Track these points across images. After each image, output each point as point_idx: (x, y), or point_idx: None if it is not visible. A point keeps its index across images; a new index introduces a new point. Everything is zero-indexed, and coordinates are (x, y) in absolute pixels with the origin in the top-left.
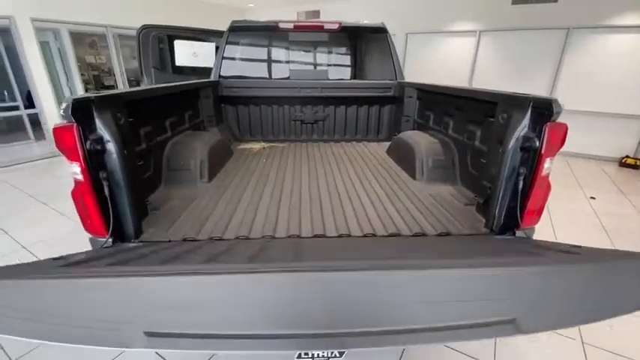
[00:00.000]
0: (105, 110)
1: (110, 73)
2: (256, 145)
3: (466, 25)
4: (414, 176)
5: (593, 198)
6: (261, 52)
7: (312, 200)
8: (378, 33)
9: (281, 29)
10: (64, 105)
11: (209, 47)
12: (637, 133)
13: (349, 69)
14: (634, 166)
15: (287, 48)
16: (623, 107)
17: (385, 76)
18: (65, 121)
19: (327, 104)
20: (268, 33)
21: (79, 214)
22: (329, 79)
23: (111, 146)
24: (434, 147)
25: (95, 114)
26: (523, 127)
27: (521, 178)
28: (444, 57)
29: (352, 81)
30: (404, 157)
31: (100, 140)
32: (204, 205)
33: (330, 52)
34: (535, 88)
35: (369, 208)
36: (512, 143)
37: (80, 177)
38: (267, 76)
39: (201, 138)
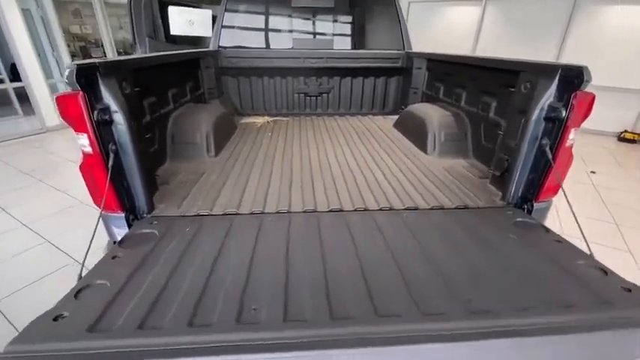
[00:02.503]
0: (110, 77)
1: (97, 44)
2: (260, 119)
3: None
4: (425, 150)
5: (593, 172)
6: (262, 20)
7: (323, 174)
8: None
9: None
10: (67, 71)
11: (206, 14)
12: (635, 108)
13: (355, 38)
14: (632, 141)
15: (289, 15)
16: (625, 81)
17: (392, 46)
18: (70, 89)
19: (332, 76)
20: None
21: (89, 189)
22: (334, 49)
23: (119, 117)
24: (446, 120)
25: (100, 81)
26: (549, 97)
27: (545, 149)
28: (447, 27)
29: (359, 51)
30: (414, 130)
31: (107, 110)
32: (214, 179)
33: (335, 21)
34: (540, 58)
35: (383, 182)
36: (536, 113)
37: (89, 149)
38: (269, 46)
39: (206, 110)
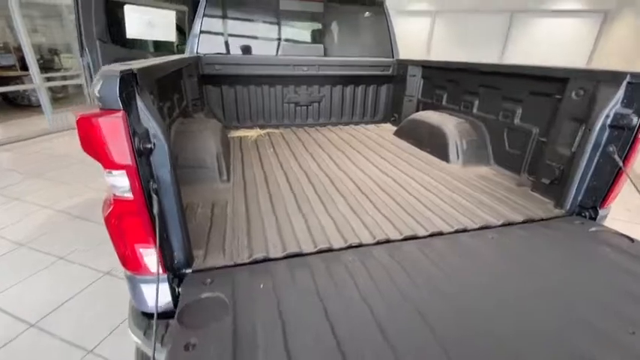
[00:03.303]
0: (144, 90)
1: (6, 48)
2: (251, 132)
3: (422, 5)
4: (447, 159)
5: None
6: (247, 26)
7: (356, 196)
8: (375, 6)
9: None
10: (100, 82)
11: (168, 16)
12: None
13: (345, 45)
14: None
15: (277, 19)
16: None
17: (382, 54)
18: (100, 106)
19: (323, 84)
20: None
21: (119, 249)
22: (325, 57)
23: (160, 143)
24: (464, 127)
25: (138, 95)
26: (615, 104)
27: (614, 155)
28: (402, 35)
29: (350, 58)
30: (429, 139)
31: (147, 134)
32: (243, 211)
33: (324, 26)
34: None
35: (421, 200)
36: (600, 120)
37: (127, 192)
38: (256, 52)
39: (207, 127)
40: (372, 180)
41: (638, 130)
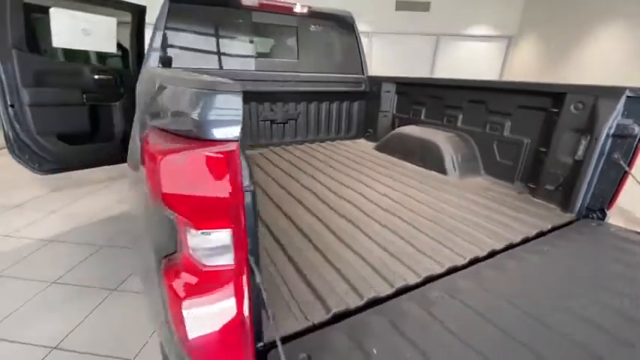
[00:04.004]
0: None
1: None
2: None
3: (361, 27)
4: (444, 172)
5: None
6: (215, 36)
7: (381, 222)
8: (345, 23)
9: (244, 6)
10: (211, 99)
11: (108, 24)
12: None
13: (319, 61)
14: None
15: (249, 33)
16: None
17: (351, 70)
18: (202, 135)
19: (299, 101)
20: (224, 11)
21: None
22: (300, 72)
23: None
24: (455, 140)
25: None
26: (617, 115)
27: (619, 161)
28: None
29: (325, 74)
30: (420, 153)
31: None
32: (274, 250)
33: (298, 42)
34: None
35: (441, 224)
36: (605, 131)
37: (227, 260)
38: (228, 67)
39: None
40: (372, 203)
41: (639, 138)
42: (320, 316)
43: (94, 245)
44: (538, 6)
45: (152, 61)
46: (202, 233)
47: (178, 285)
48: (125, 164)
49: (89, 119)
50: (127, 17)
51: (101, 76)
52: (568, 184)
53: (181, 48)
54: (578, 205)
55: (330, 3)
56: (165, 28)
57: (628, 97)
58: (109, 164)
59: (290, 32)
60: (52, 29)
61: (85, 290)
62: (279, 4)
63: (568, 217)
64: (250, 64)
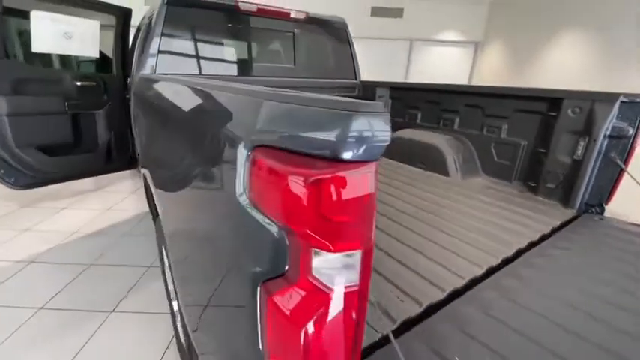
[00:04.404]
0: None
1: None
2: None
3: None
4: (446, 174)
5: None
6: (211, 41)
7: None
8: (339, 29)
9: (242, 11)
10: (357, 118)
11: (91, 27)
12: None
13: (314, 66)
14: None
15: (247, 39)
16: None
17: (344, 76)
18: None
19: None
20: (221, 16)
21: None
22: (299, 78)
23: None
24: (454, 143)
25: None
26: (612, 118)
27: (616, 160)
28: None
29: (321, 80)
30: (422, 156)
31: None
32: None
33: (295, 48)
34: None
35: (464, 226)
36: (602, 133)
37: (354, 281)
38: (226, 73)
39: None
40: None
41: (633, 138)
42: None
43: (81, 264)
44: (501, 15)
45: (149, 67)
46: (333, 254)
47: (296, 310)
48: (108, 174)
49: (72, 129)
50: (108, 20)
51: (84, 83)
52: (568, 182)
53: (177, 54)
54: (579, 201)
55: (310, 10)
56: (163, 31)
57: (622, 102)
58: (92, 176)
59: (287, 38)
60: (32, 33)
61: (79, 315)
62: (276, 9)
63: (570, 212)
64: (248, 70)
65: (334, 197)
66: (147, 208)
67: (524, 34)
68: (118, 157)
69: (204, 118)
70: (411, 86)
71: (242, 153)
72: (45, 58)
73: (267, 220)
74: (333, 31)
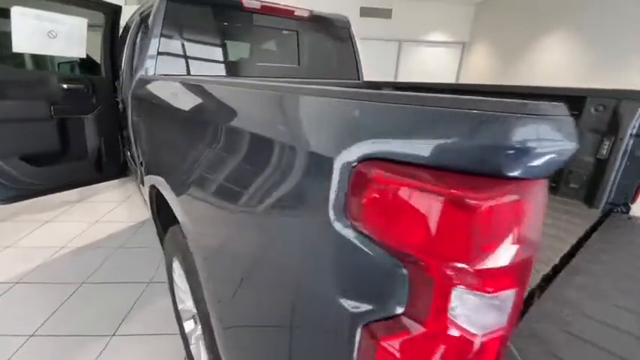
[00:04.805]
0: None
1: None
2: None
3: None
4: None
5: None
6: (213, 39)
7: None
8: (342, 27)
9: (246, 8)
10: (533, 125)
11: (78, 25)
12: None
13: (317, 66)
14: None
15: (250, 38)
16: None
17: (347, 76)
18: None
19: None
20: (224, 14)
21: None
22: (303, 78)
23: None
24: None
25: None
26: (638, 116)
27: None
28: None
29: (326, 80)
30: None
31: None
32: None
33: (299, 47)
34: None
35: None
36: (628, 131)
37: (501, 326)
38: (229, 74)
39: None
40: None
41: None
42: None
43: (72, 283)
44: (486, 15)
45: (149, 69)
46: (483, 294)
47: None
48: (99, 184)
49: (58, 135)
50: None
51: (71, 86)
52: (592, 181)
53: (175, 55)
54: (604, 201)
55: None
56: (162, 31)
57: None
58: (81, 186)
59: (290, 37)
60: (13, 31)
61: (76, 341)
62: (281, 6)
63: (595, 212)
64: (251, 71)
65: (496, 225)
66: (140, 218)
67: (510, 34)
68: (108, 165)
69: (269, 125)
70: (417, 85)
71: (340, 167)
72: (27, 59)
73: (379, 250)
74: (336, 29)
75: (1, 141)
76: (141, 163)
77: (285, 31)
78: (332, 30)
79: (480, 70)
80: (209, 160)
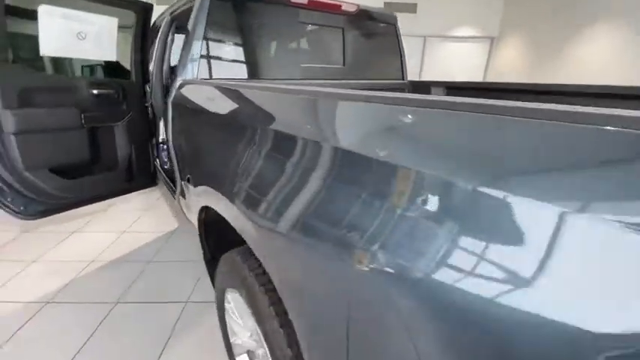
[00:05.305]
0: None
1: None
2: None
3: None
4: None
5: None
6: (258, 39)
7: None
8: (388, 24)
9: (292, 3)
10: None
11: (108, 25)
12: None
13: (362, 66)
14: None
15: (295, 36)
16: None
17: (392, 76)
18: None
19: None
20: (268, 9)
21: None
22: (349, 79)
23: None
24: None
25: None
26: None
27: None
28: None
29: (370, 81)
30: None
31: None
32: None
33: (344, 45)
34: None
35: None
36: None
37: None
38: (273, 77)
39: None
40: None
41: None
42: None
43: (107, 303)
44: (518, 8)
45: (190, 72)
46: None
47: None
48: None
49: (89, 145)
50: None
51: (101, 91)
52: None
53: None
54: None
55: None
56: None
57: None
58: (112, 197)
59: (336, 34)
60: (40, 33)
61: None
62: (328, 1)
63: None
64: (295, 73)
65: None
66: (168, 229)
67: (546, 26)
68: (139, 174)
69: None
70: (474, 86)
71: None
72: (55, 63)
73: None
74: (382, 26)
75: (30, 152)
76: (187, 180)
77: (330, 29)
78: (378, 27)
79: (511, 66)
80: (300, 181)
